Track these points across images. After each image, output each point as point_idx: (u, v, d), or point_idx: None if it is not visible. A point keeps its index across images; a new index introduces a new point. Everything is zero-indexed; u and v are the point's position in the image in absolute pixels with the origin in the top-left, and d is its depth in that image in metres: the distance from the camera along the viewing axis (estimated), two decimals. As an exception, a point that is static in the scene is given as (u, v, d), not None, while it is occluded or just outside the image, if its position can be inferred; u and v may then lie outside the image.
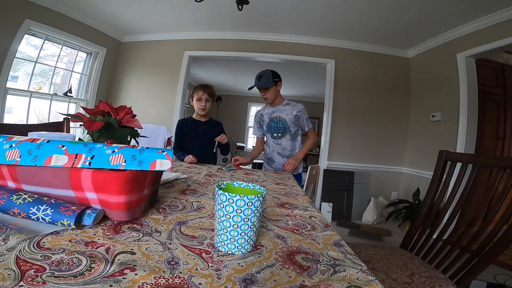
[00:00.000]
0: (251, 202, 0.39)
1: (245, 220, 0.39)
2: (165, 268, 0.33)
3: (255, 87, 1.68)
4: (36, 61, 2.86)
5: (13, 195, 0.44)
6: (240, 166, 1.46)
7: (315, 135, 1.79)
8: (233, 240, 0.39)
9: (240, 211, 0.38)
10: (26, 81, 2.83)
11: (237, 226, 0.39)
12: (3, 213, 0.44)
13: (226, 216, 0.39)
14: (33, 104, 2.89)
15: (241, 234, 0.39)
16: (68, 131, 1.46)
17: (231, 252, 0.40)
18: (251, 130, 8.57)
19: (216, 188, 0.42)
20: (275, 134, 1.74)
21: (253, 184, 0.48)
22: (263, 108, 1.84)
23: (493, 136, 2.82)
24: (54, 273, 0.30)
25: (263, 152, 1.94)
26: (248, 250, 0.41)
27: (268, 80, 1.63)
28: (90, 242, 0.39)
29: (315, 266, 0.38)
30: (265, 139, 1.93)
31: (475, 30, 2.45)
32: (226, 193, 0.39)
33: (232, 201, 0.38)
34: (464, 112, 2.52)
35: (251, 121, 8.55)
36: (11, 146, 0.46)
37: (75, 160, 0.46)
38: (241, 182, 0.49)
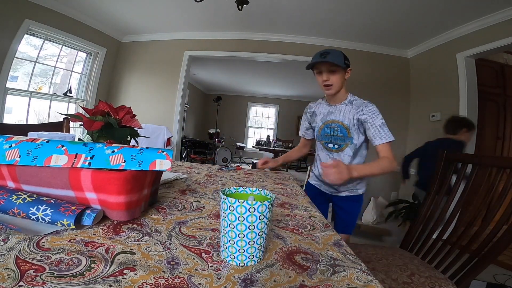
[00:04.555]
0: (254, 208, 0.36)
1: (250, 227, 0.36)
2: (165, 268, 0.33)
3: (312, 70, 1.17)
4: (36, 61, 2.87)
5: (13, 195, 0.44)
6: (240, 166, 1.46)
7: (391, 156, 1.15)
8: (242, 250, 0.36)
9: (243, 219, 0.36)
10: (26, 81, 2.83)
11: (243, 236, 0.36)
12: (2, 213, 0.44)
13: (230, 225, 0.36)
14: (33, 104, 2.89)
15: (250, 243, 0.36)
16: (68, 131, 1.46)
17: (243, 264, 0.37)
18: (251, 130, 8.58)
19: (221, 193, 0.40)
20: (330, 145, 1.22)
21: (266, 192, 0.44)
22: (317, 103, 1.32)
23: (493, 136, 2.82)
24: (53, 273, 0.30)
25: (311, 166, 1.41)
26: (261, 258, 0.39)
27: (338, 58, 1.08)
28: (90, 242, 0.39)
29: (314, 266, 0.38)
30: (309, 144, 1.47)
31: (475, 30, 2.45)
32: (226, 200, 0.36)
33: (232, 208, 0.36)
34: (464, 112, 2.52)
35: (251, 121, 8.56)
36: (11, 146, 0.46)
37: (74, 160, 0.46)
38: (254, 189, 0.45)
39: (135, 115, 0.79)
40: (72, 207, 0.43)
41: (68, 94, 3.24)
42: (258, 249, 0.38)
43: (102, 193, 0.45)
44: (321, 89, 1.18)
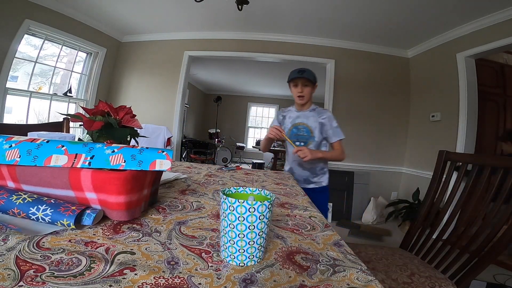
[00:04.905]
0: (254, 208, 0.35)
1: (250, 227, 0.36)
2: (165, 268, 0.33)
3: (289, 83, 1.50)
4: (36, 61, 2.86)
5: (13, 195, 0.44)
6: (240, 166, 1.46)
7: (342, 149, 1.51)
8: (242, 250, 0.36)
9: (243, 219, 0.36)
10: (26, 81, 2.83)
11: (243, 236, 0.36)
12: (2, 213, 0.44)
13: (230, 225, 0.36)
14: (33, 104, 2.89)
15: (250, 243, 0.36)
16: (68, 131, 1.46)
17: (243, 264, 0.37)
18: (251, 130, 8.58)
19: (221, 193, 0.40)
20: (297, 143, 1.52)
21: (266, 192, 0.44)
22: (288, 110, 1.64)
23: (493, 136, 2.82)
24: (53, 273, 0.30)
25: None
26: (261, 258, 0.39)
27: (312, 76, 1.45)
28: (90, 242, 0.39)
29: (314, 266, 0.38)
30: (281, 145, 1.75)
31: (475, 30, 2.45)
32: (226, 200, 0.36)
33: (232, 208, 0.36)
34: (464, 112, 2.52)
35: (251, 121, 8.56)
36: (11, 146, 0.46)
37: (74, 160, 0.46)
38: (254, 189, 0.45)
39: (135, 115, 0.79)
40: (72, 207, 0.43)
41: (68, 94, 3.24)
42: (258, 249, 0.37)
43: (102, 193, 0.45)
44: (294, 98, 1.53)
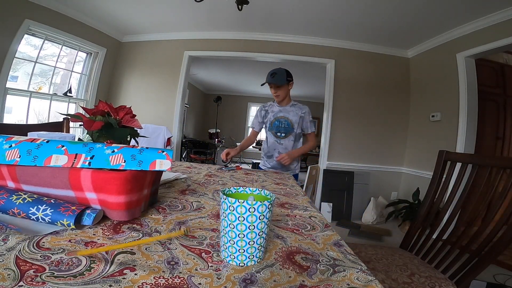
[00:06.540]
0: (254, 208, 0.35)
1: (250, 227, 0.36)
2: (165, 268, 0.33)
3: (267, 84, 1.71)
4: (36, 61, 2.86)
5: (13, 195, 0.44)
6: (240, 166, 1.46)
7: (315, 140, 1.82)
8: (243, 250, 0.36)
9: (243, 219, 0.36)
10: (26, 81, 2.83)
11: (243, 236, 0.36)
12: (2, 213, 0.44)
13: (230, 225, 0.36)
14: (33, 104, 2.89)
15: (250, 243, 0.36)
16: (68, 131, 1.45)
17: (243, 264, 0.37)
18: (251, 130, 8.57)
19: (221, 193, 0.40)
20: (278, 134, 1.75)
21: (266, 192, 0.44)
22: (269, 105, 1.85)
23: (493, 136, 2.82)
24: (53, 273, 0.30)
25: (261, 149, 1.93)
26: (261, 258, 0.39)
27: (282, 78, 1.66)
28: (90, 242, 0.39)
29: (314, 266, 0.38)
30: (259, 135, 1.98)
31: (475, 30, 2.45)
32: (226, 200, 0.36)
33: (232, 208, 0.36)
34: (464, 112, 2.52)
35: (251, 120, 8.55)
36: (11, 146, 0.46)
37: (74, 160, 0.46)
38: (254, 189, 0.45)
39: (135, 115, 0.79)
40: (72, 207, 0.43)
41: (68, 94, 3.24)
42: (258, 249, 0.37)
43: (102, 193, 0.45)
44: (273, 96, 1.78)
